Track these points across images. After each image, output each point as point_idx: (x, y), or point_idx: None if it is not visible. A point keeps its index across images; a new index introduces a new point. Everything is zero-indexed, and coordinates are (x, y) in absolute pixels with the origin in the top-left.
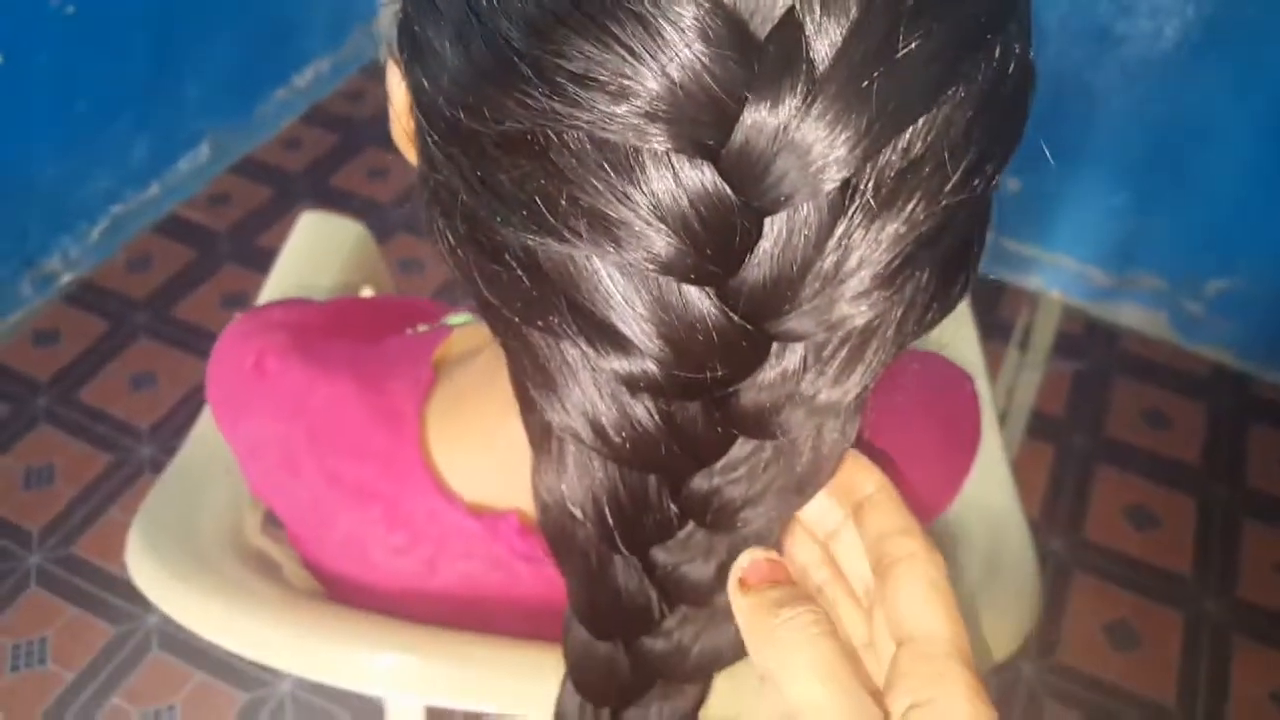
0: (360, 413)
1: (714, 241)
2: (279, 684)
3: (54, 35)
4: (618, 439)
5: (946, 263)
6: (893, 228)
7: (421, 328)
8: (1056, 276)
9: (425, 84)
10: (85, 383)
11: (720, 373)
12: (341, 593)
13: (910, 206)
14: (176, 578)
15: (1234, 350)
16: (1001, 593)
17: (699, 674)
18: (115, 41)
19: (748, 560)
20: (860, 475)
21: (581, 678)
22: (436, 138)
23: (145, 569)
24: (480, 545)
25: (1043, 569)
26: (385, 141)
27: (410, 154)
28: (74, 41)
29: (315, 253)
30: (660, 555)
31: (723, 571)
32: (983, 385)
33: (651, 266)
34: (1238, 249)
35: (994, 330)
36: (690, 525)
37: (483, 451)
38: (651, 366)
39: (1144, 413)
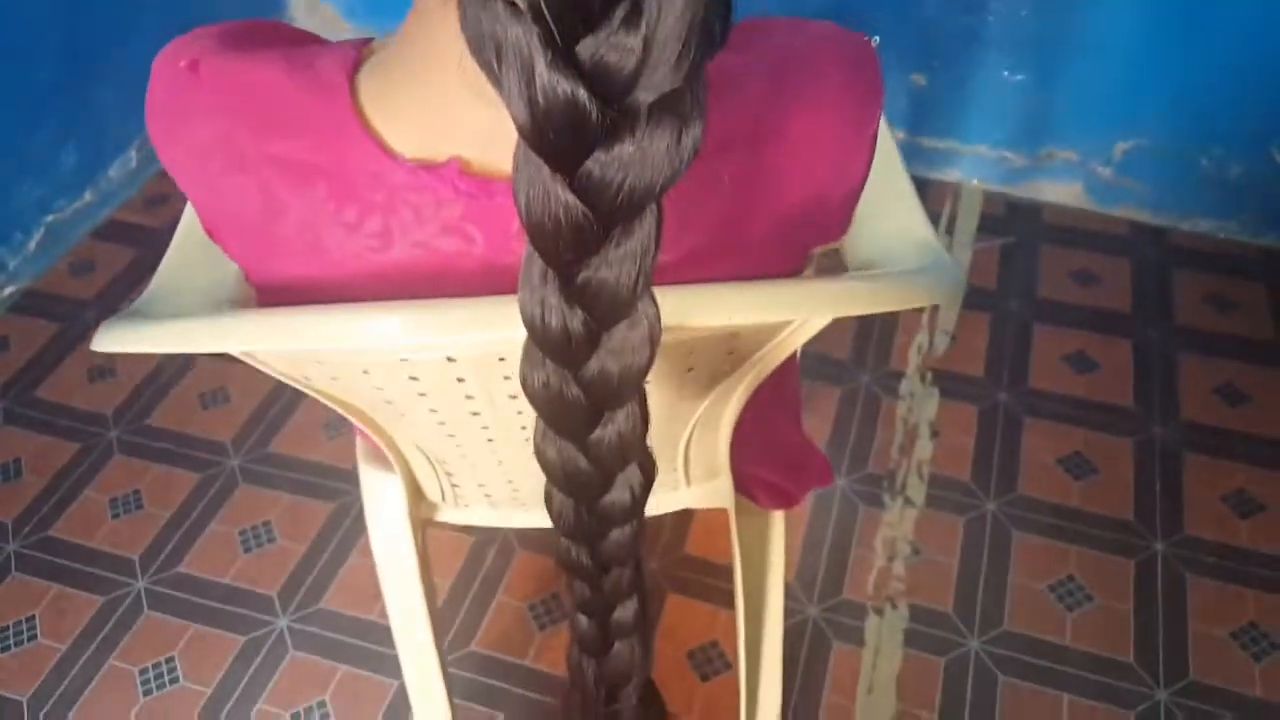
0: (293, 91)
1: None
2: (276, 623)
3: None
4: None
5: None
6: None
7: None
8: (974, 166)
9: None
10: (42, 381)
11: None
12: (299, 301)
13: None
14: (156, 323)
15: (1148, 208)
16: (936, 267)
17: (642, 198)
18: (22, 49)
19: None
20: None
21: (535, 225)
22: None
23: (113, 333)
24: (429, 204)
25: (991, 418)
26: None
27: None
28: None
29: None
30: (585, 48)
31: (645, 57)
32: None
33: None
34: (1137, 109)
35: None
36: (609, 17)
37: (415, 103)
38: None
39: (1072, 274)
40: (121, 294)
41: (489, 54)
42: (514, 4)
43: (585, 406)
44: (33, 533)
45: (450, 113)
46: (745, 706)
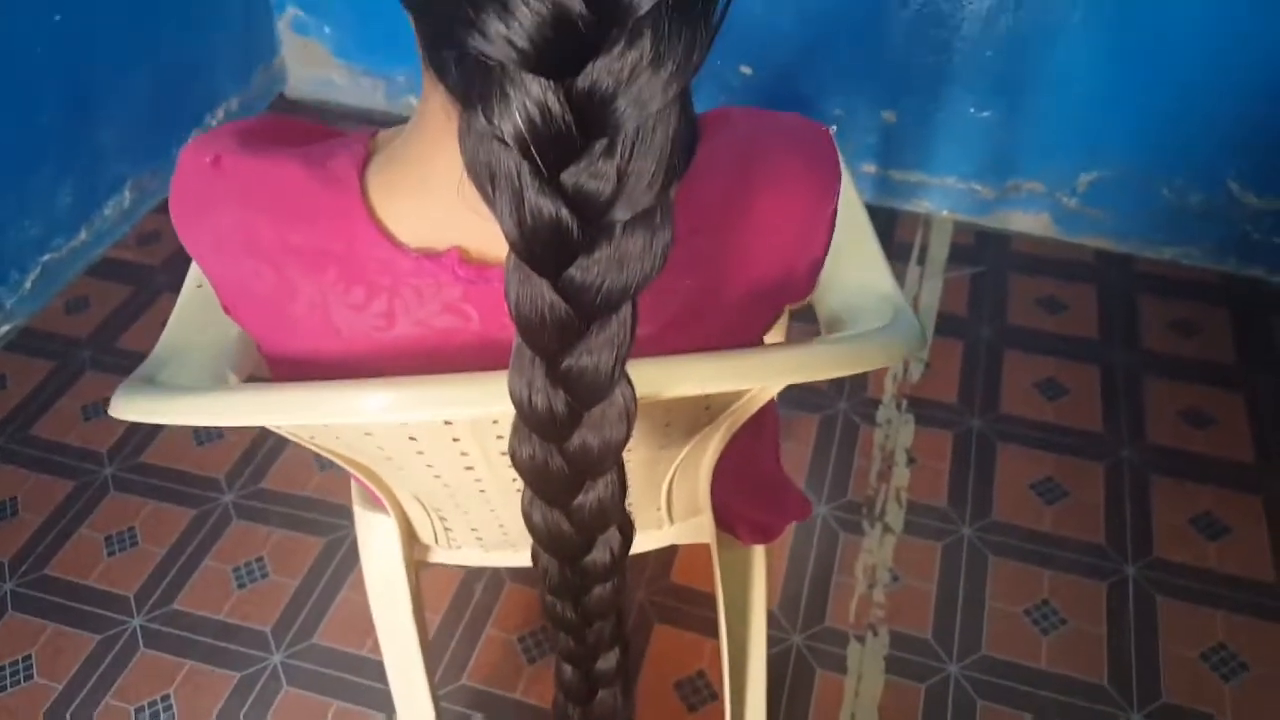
0: (308, 184)
1: None
2: (270, 659)
3: None
4: (525, 44)
5: None
6: None
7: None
8: (944, 197)
9: None
10: (37, 419)
11: None
12: (308, 375)
13: None
14: (168, 395)
15: (1114, 236)
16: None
17: (618, 299)
18: (24, 94)
19: None
20: None
21: (524, 321)
22: None
23: (134, 403)
24: (430, 287)
25: (965, 443)
26: None
27: None
28: None
29: None
30: (568, 176)
31: (620, 181)
32: (858, 203)
33: None
34: (1099, 142)
35: (893, 252)
36: (589, 148)
37: (417, 195)
38: None
39: (1040, 301)
40: (116, 331)
41: (484, 178)
42: (504, 141)
43: (568, 476)
44: (29, 571)
45: (449, 208)
46: None
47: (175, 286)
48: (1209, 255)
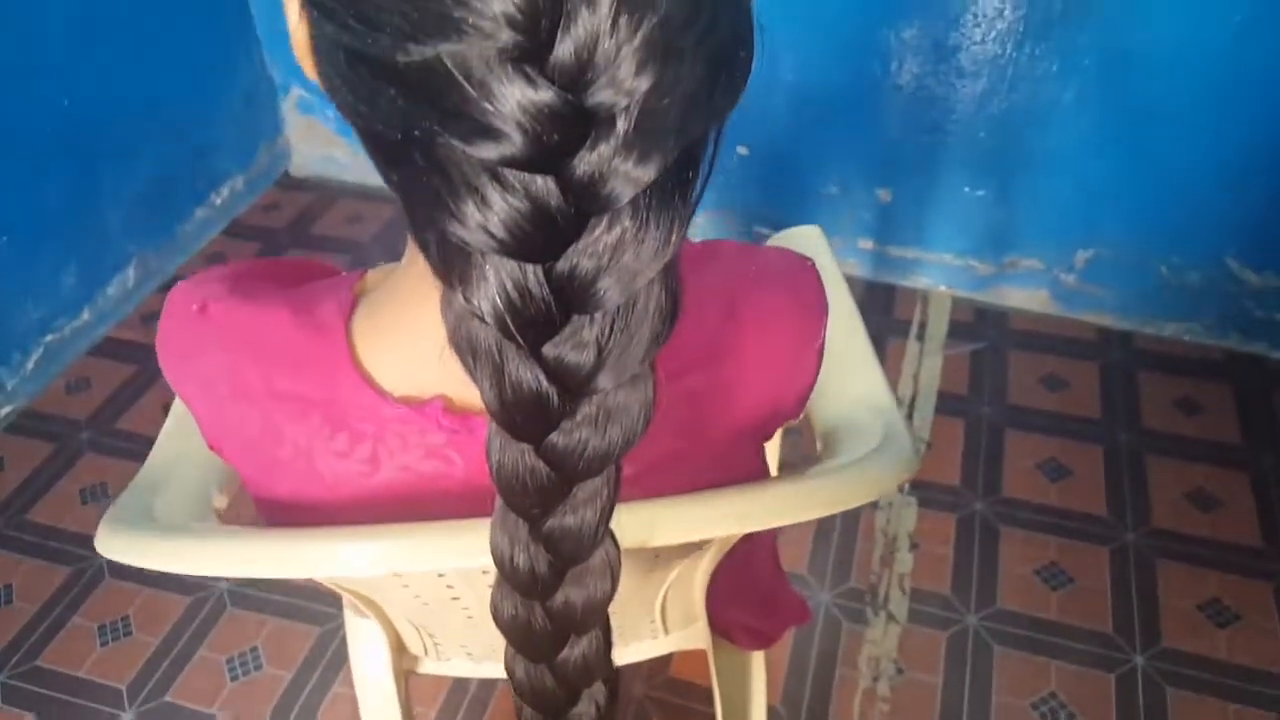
0: (295, 332)
1: (531, 25)
2: None
3: None
4: (502, 232)
5: (714, 53)
6: (652, 19)
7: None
8: (942, 273)
9: None
10: (35, 503)
11: (558, 140)
12: (294, 519)
13: (659, 3)
14: (152, 535)
15: (1114, 312)
16: (897, 451)
17: (600, 463)
18: (32, 174)
19: None
20: None
21: (506, 484)
22: (321, 7)
23: (118, 541)
24: (414, 433)
25: (968, 528)
26: (305, 246)
27: (307, 64)
28: None
29: None
30: (548, 349)
31: (599, 355)
32: (851, 310)
33: (491, 54)
34: (1095, 220)
35: (893, 328)
36: (570, 321)
37: (403, 345)
38: (509, 148)
39: (1042, 379)
40: (116, 413)
41: (464, 351)
42: (483, 320)
43: (551, 633)
44: (21, 663)
45: (435, 357)
46: None
47: None
48: (1210, 331)
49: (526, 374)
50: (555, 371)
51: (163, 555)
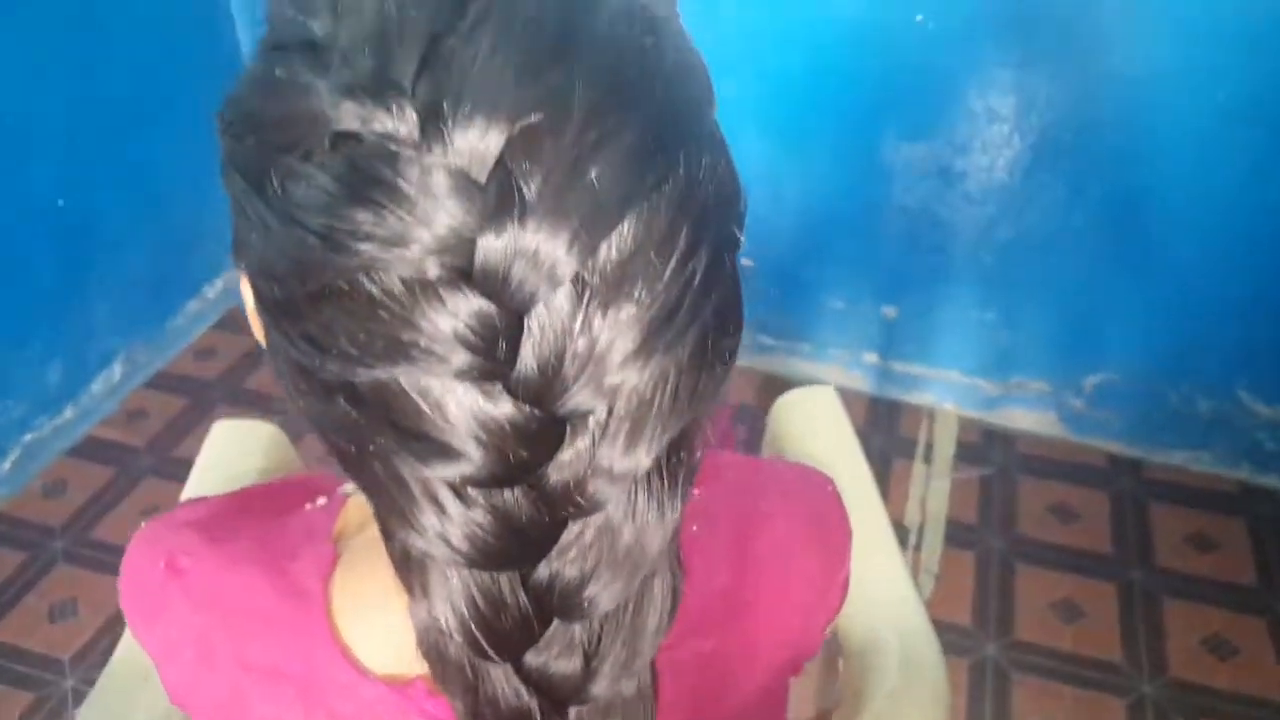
0: (269, 597)
1: (486, 344)
2: None
3: None
4: (465, 545)
5: (700, 338)
6: (628, 309)
7: (320, 500)
8: (948, 391)
9: (255, 275)
10: (1, 620)
11: (525, 455)
12: None
13: (636, 292)
14: None
15: (1122, 439)
16: (919, 690)
17: None
18: (20, 276)
19: None
20: None
21: None
22: (269, 316)
23: None
24: (395, 716)
25: (980, 674)
26: None
27: (262, 340)
28: None
29: (230, 456)
30: (530, 658)
31: (589, 664)
32: (869, 491)
33: (446, 376)
34: (1101, 346)
35: (899, 446)
36: (553, 625)
37: (383, 613)
38: (468, 467)
39: (1051, 508)
40: (91, 520)
41: (433, 661)
42: (449, 635)
43: None
44: None
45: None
46: None
47: (159, 470)
48: (1221, 461)
49: (504, 688)
50: (540, 684)
51: None
